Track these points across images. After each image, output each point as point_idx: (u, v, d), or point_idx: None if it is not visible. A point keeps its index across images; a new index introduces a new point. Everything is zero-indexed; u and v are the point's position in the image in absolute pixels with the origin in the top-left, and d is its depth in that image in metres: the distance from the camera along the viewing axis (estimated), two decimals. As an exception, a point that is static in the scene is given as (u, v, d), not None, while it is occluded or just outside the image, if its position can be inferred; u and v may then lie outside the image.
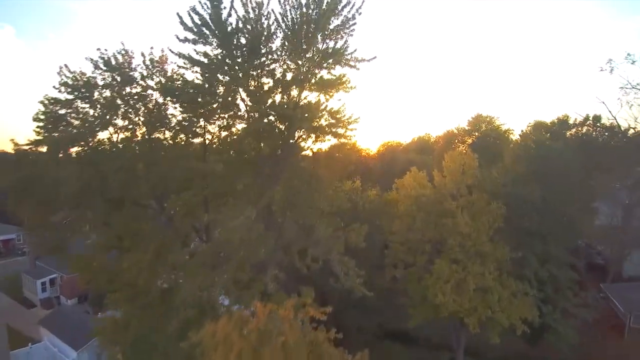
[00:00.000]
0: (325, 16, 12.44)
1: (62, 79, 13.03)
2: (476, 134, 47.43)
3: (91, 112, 13.42)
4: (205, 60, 12.06)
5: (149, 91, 13.89)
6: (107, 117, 13.52)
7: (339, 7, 12.82)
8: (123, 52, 13.28)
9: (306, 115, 13.06)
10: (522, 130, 41.35)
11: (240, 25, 12.08)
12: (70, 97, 13.11)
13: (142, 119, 14.33)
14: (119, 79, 13.11)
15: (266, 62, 13.39)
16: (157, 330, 13.88)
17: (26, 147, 13.20)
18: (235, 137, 12.10)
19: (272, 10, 12.73)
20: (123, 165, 12.25)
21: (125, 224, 12.83)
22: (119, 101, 13.63)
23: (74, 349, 23.30)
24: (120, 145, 13.80)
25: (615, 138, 32.77)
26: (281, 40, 13.27)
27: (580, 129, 35.00)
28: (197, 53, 11.87)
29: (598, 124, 33.79)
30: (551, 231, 21.98)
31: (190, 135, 15.14)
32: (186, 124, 14.47)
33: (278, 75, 13.21)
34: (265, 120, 12.59)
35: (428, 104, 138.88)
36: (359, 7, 12.97)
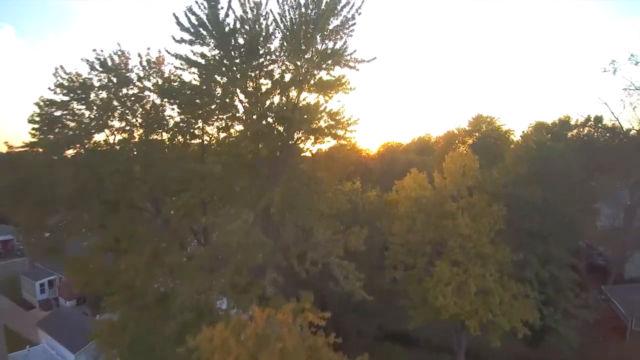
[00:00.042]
0: (324, 16, 12.29)
1: (57, 81, 12.89)
2: (477, 134, 47.24)
3: (87, 113, 13.27)
4: (203, 62, 11.90)
5: (146, 92, 13.76)
6: (104, 118, 13.38)
7: (338, 7, 12.68)
8: (119, 53, 13.14)
9: (305, 116, 12.93)
10: (523, 131, 41.17)
11: (238, 25, 11.92)
12: (66, 98, 12.95)
13: (139, 120, 14.18)
14: (115, 80, 12.95)
15: (264, 63, 13.24)
16: (154, 332, 13.76)
17: (21, 150, 13.07)
18: (233, 139, 11.90)
19: (271, 10, 12.59)
20: (119, 168, 12.10)
21: (121, 226, 12.68)
22: (115, 103, 13.48)
23: (72, 352, 23.17)
24: (117, 147, 13.65)
25: (617, 139, 32.58)
26: (280, 40, 13.13)
27: (581, 129, 34.81)
28: (194, 54, 11.70)
29: (600, 125, 33.60)
30: (552, 232, 21.82)
31: (188, 137, 15.01)
32: (184, 125, 14.37)
33: (276, 76, 13.06)
34: (264, 122, 12.43)
35: (428, 104, 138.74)
36: (359, 7, 12.82)
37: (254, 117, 12.03)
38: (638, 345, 24.06)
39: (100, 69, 12.90)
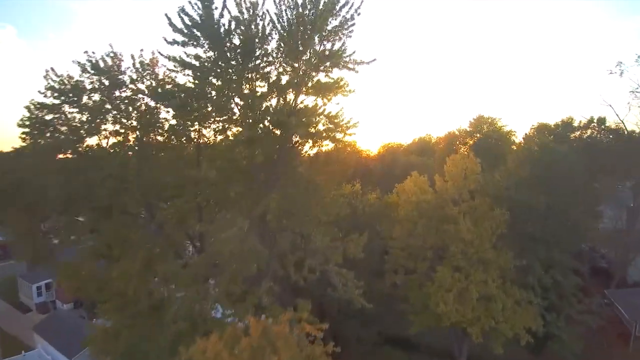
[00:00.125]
0: (322, 17, 11.92)
1: (48, 83, 12.54)
2: (478, 135, 46.83)
3: (79, 117, 12.93)
4: (197, 63, 11.54)
5: (140, 95, 13.41)
6: (96, 122, 13.04)
7: (337, 8, 12.31)
8: (112, 54, 12.78)
9: (303, 119, 12.57)
10: (525, 133, 40.73)
11: (233, 26, 11.55)
12: (57, 101, 12.62)
13: (133, 123, 13.86)
14: (107, 82, 12.59)
15: (261, 65, 12.87)
16: (148, 340, 13.43)
17: (12, 153, 12.75)
18: (228, 143, 11.54)
19: (267, 10, 12.22)
20: (111, 173, 11.75)
21: (113, 233, 12.35)
22: (108, 106, 13.14)
23: (68, 357, 22.84)
24: (111, 151, 13.32)
25: (620, 140, 32.17)
26: (277, 42, 12.76)
27: (584, 131, 34.38)
28: (187, 56, 11.34)
29: (603, 126, 33.17)
30: (555, 236, 21.44)
31: (183, 140, 14.67)
32: (179, 128, 14.03)
33: (273, 78, 12.70)
34: (261, 125, 12.08)
35: (429, 104, 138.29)
36: (358, 7, 12.45)
37: (250, 121, 11.65)
38: (642, 352, 23.67)
39: (92, 71, 12.55)
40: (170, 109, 13.29)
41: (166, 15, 10.49)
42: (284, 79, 12.66)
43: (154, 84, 13.30)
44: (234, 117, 13.08)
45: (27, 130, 12.55)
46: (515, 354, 20.72)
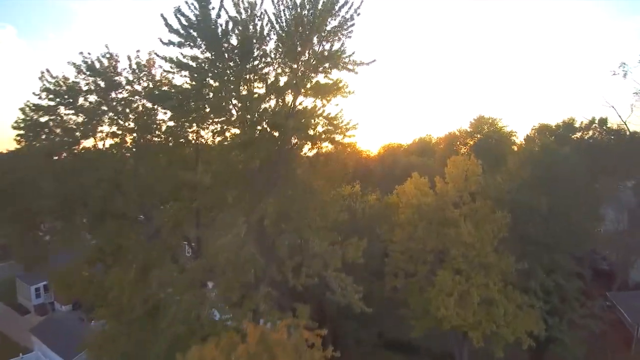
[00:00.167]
0: (321, 17, 11.73)
1: (43, 85, 12.36)
2: (478, 136, 46.65)
3: (75, 119, 12.76)
4: (194, 64, 11.35)
5: (137, 96, 13.23)
6: (92, 123, 12.87)
7: (336, 8, 12.11)
8: (108, 55, 12.60)
9: (302, 121, 12.39)
10: (527, 135, 40.53)
11: (231, 26, 11.36)
12: (53, 103, 12.44)
13: (130, 125, 13.68)
14: (102, 84, 12.40)
15: (259, 66, 12.68)
16: (145, 346, 13.26)
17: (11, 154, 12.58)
18: (224, 146, 11.34)
19: (265, 10, 12.03)
20: (105, 177, 11.56)
21: (108, 238, 12.16)
22: (104, 107, 12.97)
23: (65, 360, 22.65)
24: (107, 153, 13.13)
25: (622, 141, 31.99)
26: (275, 42, 12.58)
27: (586, 132, 34.19)
28: (184, 57, 11.15)
29: (604, 127, 32.98)
30: (557, 239, 21.24)
31: (181, 141, 14.49)
32: (177, 130, 13.84)
33: (271, 79, 12.51)
34: (259, 128, 11.90)
35: (429, 104, 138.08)
36: (358, 7, 12.26)
37: (247, 124, 11.47)
38: (645, 355, 23.43)
39: (88, 73, 12.37)
40: (167, 111, 13.13)
41: (162, 15, 10.31)
42: (282, 80, 12.48)
43: (150, 86, 13.13)
44: (232, 119, 12.91)
45: (22, 132, 12.39)
46: (517, 357, 20.51)
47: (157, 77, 13.37)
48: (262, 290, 10.89)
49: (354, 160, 28.72)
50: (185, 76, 12.01)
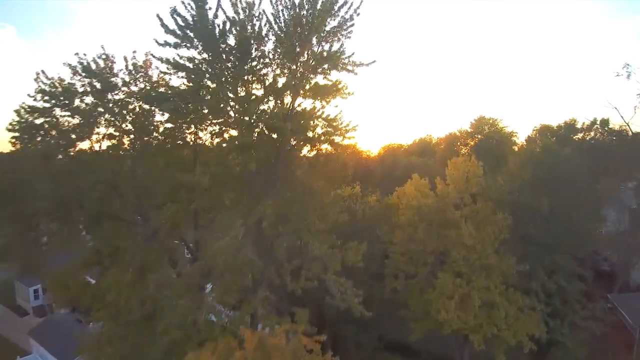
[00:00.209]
0: (320, 17, 11.56)
1: (39, 86, 12.19)
2: (479, 136, 46.49)
3: (71, 121, 12.60)
4: (191, 65, 11.18)
5: (133, 98, 13.06)
6: (89, 125, 12.71)
7: (335, 8, 11.94)
8: (104, 56, 12.43)
9: (301, 122, 12.22)
10: (528, 135, 40.35)
11: (228, 26, 11.19)
12: (48, 105, 12.27)
13: (126, 126, 13.52)
14: (98, 85, 12.23)
15: (257, 67, 12.52)
16: (142, 348, 13.12)
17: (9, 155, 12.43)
18: (220, 149, 11.19)
19: (264, 10, 11.85)
20: (101, 179, 11.41)
21: (105, 240, 12.00)
22: (100, 109, 12.80)
23: (63, 363, 22.48)
24: (103, 155, 12.97)
25: (624, 142, 31.81)
26: (273, 43, 12.41)
27: (587, 133, 34.01)
28: (180, 58, 10.99)
29: (606, 128, 32.80)
30: (558, 240, 21.08)
31: (179, 143, 14.33)
32: (174, 131, 13.69)
33: (270, 80, 12.35)
34: (256, 131, 11.73)
35: (430, 105, 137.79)
36: (357, 7, 12.08)
37: (244, 126, 11.30)
38: (646, 357, 23.26)
39: (83, 74, 12.20)
40: (164, 112, 12.97)
41: (158, 16, 10.14)
42: (281, 81, 12.31)
43: (147, 87, 12.96)
44: (230, 121, 12.75)
45: (17, 134, 12.23)
46: (518, 361, 20.36)
47: (154, 79, 13.20)
48: (260, 294, 10.73)
49: (354, 160, 28.56)
50: (182, 77, 11.86)
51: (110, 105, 12.99)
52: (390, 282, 20.53)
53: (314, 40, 12.34)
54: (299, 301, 14.12)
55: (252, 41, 11.92)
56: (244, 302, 11.49)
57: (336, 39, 12.44)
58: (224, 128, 13.00)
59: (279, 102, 12.41)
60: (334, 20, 12.15)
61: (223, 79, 11.90)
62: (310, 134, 12.52)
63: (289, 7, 11.86)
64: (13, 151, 12.44)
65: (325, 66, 12.47)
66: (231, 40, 11.69)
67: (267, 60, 12.51)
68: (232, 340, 10.31)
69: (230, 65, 11.94)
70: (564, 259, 20.75)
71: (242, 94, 12.28)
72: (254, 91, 12.42)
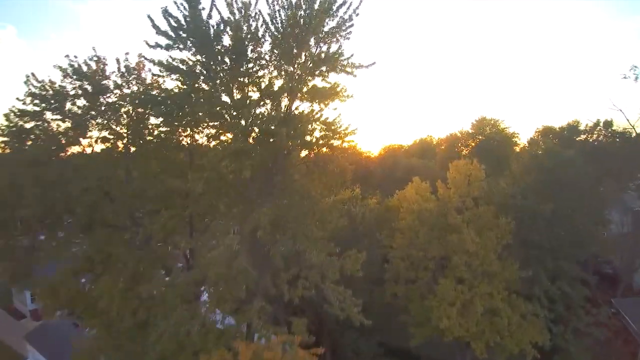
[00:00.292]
0: (317, 17, 11.18)
1: (29, 89, 11.84)
2: (480, 137, 46.08)
3: (62, 124, 12.25)
4: (184, 67, 10.82)
5: (126, 101, 12.70)
6: (80, 129, 12.35)
7: (334, 8, 11.57)
8: (95, 58, 12.08)
9: (299, 126, 11.86)
10: (530, 137, 39.92)
11: (222, 27, 10.83)
12: (38, 108, 11.92)
13: (121, 129, 13.17)
14: (89, 88, 11.87)
15: (254, 68, 12.15)
16: (135, 356, 12.79)
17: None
18: (212, 156, 10.82)
19: (260, 11, 11.49)
20: (92, 184, 11.05)
21: (96, 247, 11.65)
22: (93, 112, 12.45)
23: (58, 368, 22.16)
24: (95, 160, 12.61)
25: (627, 144, 31.41)
26: (270, 44, 12.04)
27: (590, 135, 33.60)
28: (173, 60, 10.62)
29: (609, 130, 32.39)
30: (561, 243, 20.71)
31: (174, 146, 13.97)
32: (168, 135, 13.34)
33: (266, 82, 11.98)
34: (253, 134, 11.37)
35: (430, 105, 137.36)
36: (356, 7, 11.71)
37: (239, 130, 10.93)
38: (651, 363, 22.83)
39: (74, 76, 11.84)
40: (158, 116, 12.61)
41: (149, 16, 9.77)
42: (278, 83, 11.95)
43: (141, 89, 12.61)
44: (225, 124, 12.39)
45: (6, 139, 11.89)
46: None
47: (148, 81, 12.85)
48: (256, 304, 10.36)
49: (353, 162, 28.16)
50: (176, 80, 11.50)
51: (103, 108, 12.65)
52: (390, 287, 20.16)
53: (312, 42, 11.98)
54: (297, 308, 13.76)
55: (247, 42, 11.57)
56: (239, 311, 11.15)
57: (335, 40, 12.07)
58: (219, 131, 12.66)
59: (275, 105, 12.04)
60: (333, 20, 11.79)
61: (218, 81, 11.55)
62: (308, 138, 12.15)
63: (286, 7, 11.50)
64: (1, 155, 12.10)
65: (324, 68, 12.11)
66: (226, 41, 11.35)
67: (263, 61, 12.15)
68: (226, 353, 9.96)
69: (225, 67, 11.59)
70: (567, 263, 20.37)
71: (238, 96, 11.93)
72: (249, 94, 12.08)
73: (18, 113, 11.94)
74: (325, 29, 11.84)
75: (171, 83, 12.12)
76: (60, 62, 11.79)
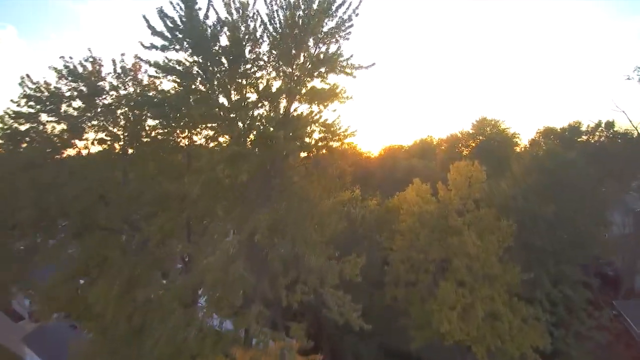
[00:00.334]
0: (316, 17, 11.00)
1: (24, 91, 11.67)
2: (480, 137, 45.91)
3: (57, 126, 12.09)
4: (181, 69, 10.64)
5: (123, 102, 12.53)
6: (76, 131, 12.19)
7: (333, 8, 11.39)
8: (91, 59, 11.90)
9: (299, 128, 11.69)
10: (531, 138, 39.75)
11: (219, 28, 10.65)
12: (33, 110, 11.76)
13: (118, 131, 13.01)
14: (85, 89, 11.70)
15: (251, 70, 11.97)
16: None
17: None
18: (208, 160, 10.64)
19: (258, 11, 11.31)
20: (88, 187, 10.88)
21: (92, 251, 11.49)
22: (89, 114, 12.28)
23: (55, 371, 22.00)
24: (90, 162, 12.45)
25: (629, 144, 31.22)
26: (268, 44, 11.87)
27: (592, 136, 33.41)
28: (169, 61, 10.44)
29: (611, 131, 32.20)
30: (563, 245, 20.51)
31: (171, 147, 13.81)
32: (166, 137, 13.17)
33: (264, 84, 11.81)
34: (250, 138, 11.19)
35: (431, 105, 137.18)
36: (356, 7, 11.53)
37: (236, 133, 10.75)
38: (653, 367, 22.64)
39: (70, 78, 11.67)
40: (154, 118, 12.45)
41: (144, 17, 9.58)
42: (276, 84, 11.78)
43: (137, 91, 12.45)
44: (222, 126, 12.22)
45: (0, 142, 11.74)
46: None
47: (145, 82, 12.68)
48: (254, 309, 10.19)
49: (353, 163, 28.00)
50: (172, 81, 11.33)
51: (99, 110, 12.48)
52: (390, 290, 19.99)
53: (311, 42, 11.80)
54: (296, 313, 13.56)
55: (245, 43, 11.39)
56: (237, 315, 10.97)
57: (334, 40, 11.89)
58: (217, 133, 12.50)
59: (273, 106, 11.86)
60: (332, 21, 11.61)
61: (215, 82, 11.37)
62: (307, 140, 11.98)
63: (284, 7, 11.32)
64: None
65: (323, 69, 11.92)
66: (223, 42, 11.17)
67: (261, 62, 11.97)
68: (223, 359, 9.80)
69: (222, 68, 11.41)
70: (569, 266, 20.18)
71: (235, 98, 11.75)
72: (247, 95, 11.90)
73: (13, 115, 11.78)
74: (325, 29, 11.67)
75: (168, 84, 11.99)
76: (56, 64, 11.64)
